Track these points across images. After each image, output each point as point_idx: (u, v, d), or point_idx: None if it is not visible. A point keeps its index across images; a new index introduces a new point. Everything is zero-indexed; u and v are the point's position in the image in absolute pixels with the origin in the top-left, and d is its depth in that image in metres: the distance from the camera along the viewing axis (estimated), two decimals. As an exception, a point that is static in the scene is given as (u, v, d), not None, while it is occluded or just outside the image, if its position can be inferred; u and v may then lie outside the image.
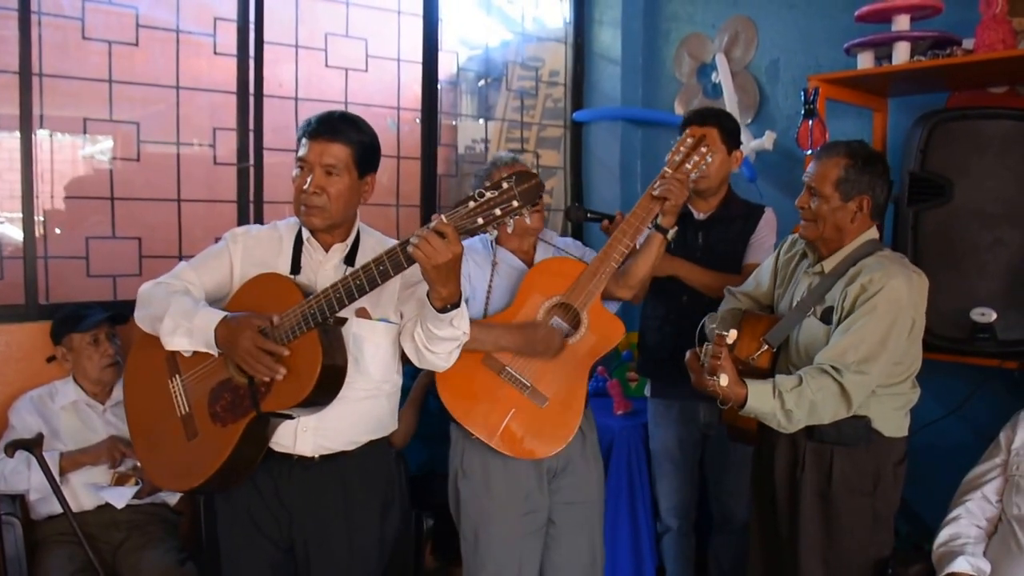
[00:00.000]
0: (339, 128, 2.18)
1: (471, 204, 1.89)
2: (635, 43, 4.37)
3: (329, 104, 3.83)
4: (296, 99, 3.76)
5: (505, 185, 1.87)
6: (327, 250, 2.28)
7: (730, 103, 3.91)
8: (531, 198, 1.87)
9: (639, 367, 3.42)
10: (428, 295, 2.04)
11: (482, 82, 4.68)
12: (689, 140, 2.63)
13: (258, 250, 2.29)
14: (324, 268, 2.26)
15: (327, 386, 2.05)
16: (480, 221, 1.88)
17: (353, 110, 3.81)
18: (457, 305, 2.06)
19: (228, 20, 3.51)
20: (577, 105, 4.57)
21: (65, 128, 3.31)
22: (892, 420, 2.36)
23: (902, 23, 3.03)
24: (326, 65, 3.83)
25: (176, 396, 2.21)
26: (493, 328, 2.57)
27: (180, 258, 3.46)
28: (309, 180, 2.15)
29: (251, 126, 3.52)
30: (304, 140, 2.18)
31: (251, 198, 3.55)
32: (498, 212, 1.87)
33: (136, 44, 3.37)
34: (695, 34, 4.17)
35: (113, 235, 3.38)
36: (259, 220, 3.56)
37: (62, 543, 2.80)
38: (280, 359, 2.03)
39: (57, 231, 3.25)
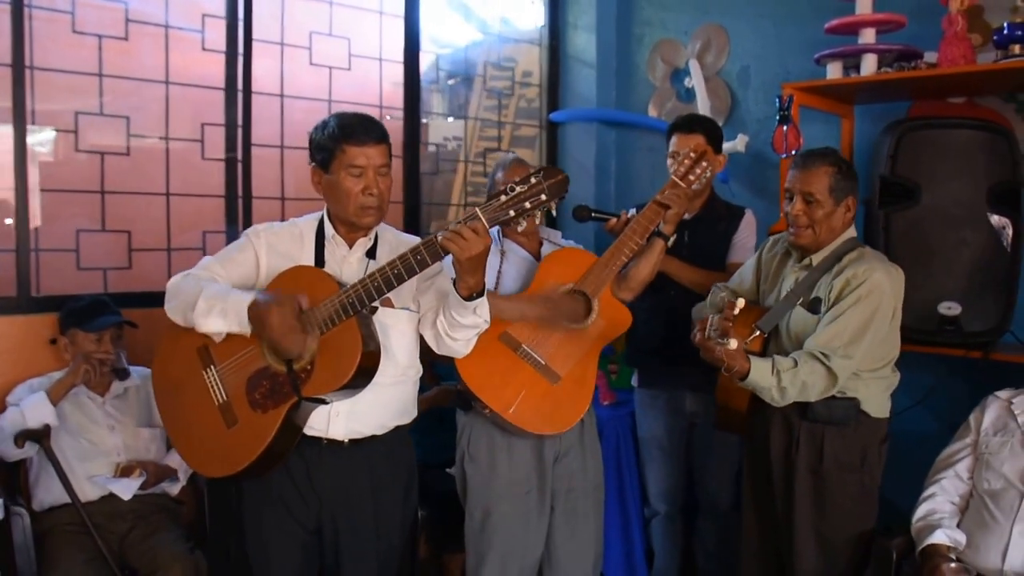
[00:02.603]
0: (381, 129, 2.30)
1: (502, 198, 2.01)
2: (609, 47, 4.50)
3: (314, 102, 3.90)
4: (282, 96, 3.80)
5: (533, 180, 2.00)
6: (351, 245, 2.37)
7: (703, 107, 4.08)
8: (558, 192, 2.01)
9: (627, 358, 3.56)
10: (455, 284, 2.17)
11: (452, 81, 4.76)
12: (692, 155, 2.79)
13: (281, 245, 2.37)
14: (349, 262, 2.36)
15: (365, 371, 2.15)
16: (511, 213, 2.01)
17: (337, 108, 3.90)
18: (482, 294, 2.19)
19: (216, 16, 3.54)
20: (552, 106, 4.69)
21: (55, 122, 3.29)
22: (878, 401, 2.59)
23: (868, 36, 3.22)
24: (310, 63, 3.88)
25: (212, 386, 2.27)
26: (519, 300, 2.73)
27: (169, 252, 3.51)
28: (369, 184, 2.26)
29: (239, 122, 3.56)
30: (349, 147, 2.24)
31: (239, 193, 3.58)
32: (528, 205, 2.00)
33: (126, 39, 3.37)
34: (668, 40, 4.33)
35: (103, 228, 3.39)
36: (247, 215, 3.61)
37: (69, 533, 2.83)
38: (308, 333, 2.12)
39: (8, 221, 3.23)
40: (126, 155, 3.43)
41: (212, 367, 2.28)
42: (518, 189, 2.00)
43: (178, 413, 2.35)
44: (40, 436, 2.78)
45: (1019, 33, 2.74)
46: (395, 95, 4.20)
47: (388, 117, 4.24)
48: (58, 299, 3.14)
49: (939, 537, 2.47)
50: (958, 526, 2.54)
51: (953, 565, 2.40)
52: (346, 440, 2.35)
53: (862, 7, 3.21)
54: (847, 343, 2.44)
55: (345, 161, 2.25)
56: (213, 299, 2.19)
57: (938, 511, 2.57)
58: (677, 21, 4.31)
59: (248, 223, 3.61)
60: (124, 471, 2.96)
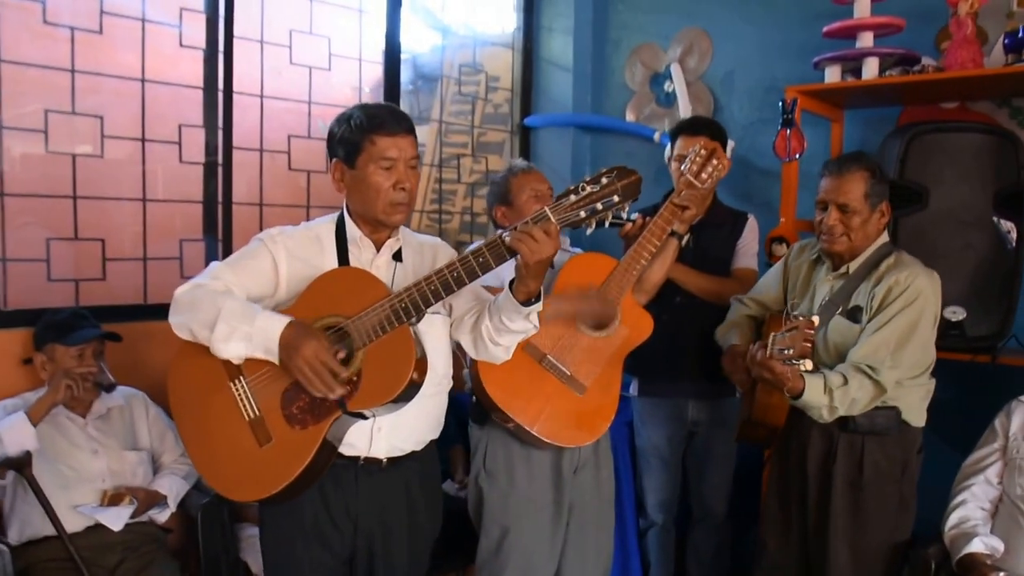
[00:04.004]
0: (409, 119, 2.15)
1: (572, 198, 1.89)
2: (585, 51, 4.44)
3: (295, 103, 3.73)
4: (262, 96, 3.61)
5: (605, 180, 1.88)
6: (378, 248, 2.21)
7: (684, 112, 4.05)
8: (631, 194, 1.89)
9: (628, 366, 3.47)
10: (511, 287, 2.04)
11: (412, 85, 4.64)
12: (704, 151, 2.70)
13: (299, 249, 2.18)
14: (376, 266, 2.19)
15: (416, 383, 2.00)
16: (582, 214, 1.89)
17: (316, 110, 3.74)
18: (539, 299, 2.06)
19: (195, 11, 3.33)
20: (525, 111, 4.59)
21: (24, 121, 3.03)
22: (917, 410, 2.55)
23: (867, 40, 3.23)
24: (291, 62, 3.70)
25: (242, 400, 2.06)
26: (552, 300, 2.57)
27: (145, 262, 3.29)
28: (400, 178, 2.10)
29: (220, 123, 3.36)
30: (379, 138, 2.08)
31: (219, 199, 3.38)
32: (599, 207, 1.88)
33: (100, 32, 3.13)
34: (647, 44, 4.29)
35: (75, 236, 3.14)
36: (227, 223, 3.41)
37: (53, 569, 2.60)
38: (338, 379, 1.95)
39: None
40: (100, 157, 3.19)
41: (241, 379, 2.07)
42: (588, 189, 1.88)
43: (200, 431, 2.12)
44: (22, 464, 2.54)
45: (1035, 37, 2.77)
46: (353, 99, 4.05)
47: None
48: (30, 313, 2.89)
49: (977, 546, 2.45)
50: (991, 532, 2.53)
51: (1002, 574, 2.37)
52: (385, 459, 2.19)
53: (860, 11, 3.22)
54: (893, 351, 2.40)
55: (375, 154, 2.09)
56: (236, 321, 1.98)
57: (971, 518, 2.55)
58: (657, 25, 4.27)
59: (228, 232, 3.42)
60: (113, 499, 2.73)
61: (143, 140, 3.29)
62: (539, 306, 2.08)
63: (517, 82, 4.62)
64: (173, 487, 2.87)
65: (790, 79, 3.58)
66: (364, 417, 2.07)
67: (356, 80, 4.03)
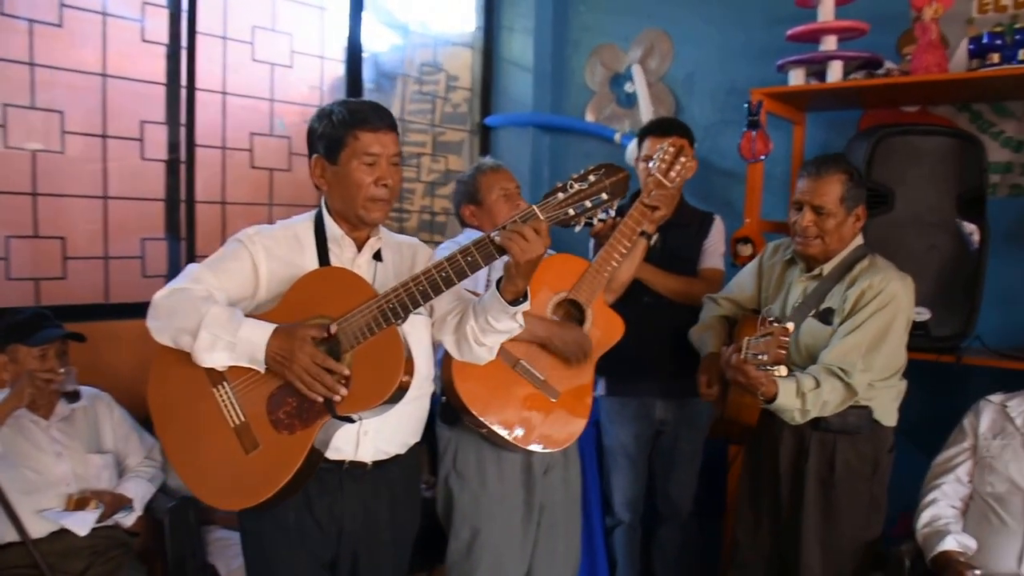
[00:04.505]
0: (391, 116, 2.11)
1: (560, 196, 1.88)
2: (545, 51, 4.45)
3: (256, 101, 3.67)
4: (224, 93, 3.54)
5: (593, 178, 1.87)
6: (360, 247, 2.17)
7: (646, 113, 4.08)
8: (620, 191, 1.88)
9: (596, 365, 3.48)
10: (499, 287, 2.03)
11: (373, 84, 4.60)
12: (671, 149, 2.69)
13: (278, 249, 2.13)
14: (358, 265, 2.15)
15: (405, 384, 1.96)
16: (571, 212, 1.88)
17: (277, 107, 3.69)
18: (527, 298, 2.05)
19: (158, 5, 3.27)
20: (485, 110, 4.59)
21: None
22: (889, 410, 2.58)
23: (830, 43, 3.28)
24: (253, 59, 3.64)
25: (226, 406, 2.01)
26: (529, 317, 2.54)
27: (106, 261, 3.21)
28: (383, 174, 2.06)
29: (182, 120, 3.29)
30: (362, 133, 2.04)
31: (182, 197, 3.31)
32: (588, 204, 1.87)
33: (60, 25, 3.05)
34: (608, 45, 4.31)
35: (35, 234, 3.04)
36: (191, 222, 3.34)
37: (17, 577, 2.51)
38: (340, 378, 1.92)
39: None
40: (60, 153, 3.10)
41: (224, 384, 2.01)
42: (576, 187, 1.87)
43: (184, 439, 2.06)
44: (-19, 469, 2.47)
45: (999, 43, 2.84)
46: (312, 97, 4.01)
47: (306, 121, 4.04)
48: (21, 311, 2.78)
49: (950, 544, 2.48)
50: (962, 530, 2.57)
51: (978, 572, 2.39)
52: (371, 462, 2.16)
53: (825, 14, 3.28)
54: (865, 354, 2.43)
55: (359, 149, 2.05)
56: (218, 329, 1.93)
57: (942, 516, 2.59)
58: (617, 26, 4.29)
59: (191, 230, 3.35)
60: (78, 503, 2.65)
61: (104, 136, 3.21)
62: (526, 305, 2.07)
63: (477, 82, 4.62)
64: (139, 490, 2.81)
65: (751, 81, 3.62)
66: (351, 420, 2.04)
67: (317, 78, 3.97)
